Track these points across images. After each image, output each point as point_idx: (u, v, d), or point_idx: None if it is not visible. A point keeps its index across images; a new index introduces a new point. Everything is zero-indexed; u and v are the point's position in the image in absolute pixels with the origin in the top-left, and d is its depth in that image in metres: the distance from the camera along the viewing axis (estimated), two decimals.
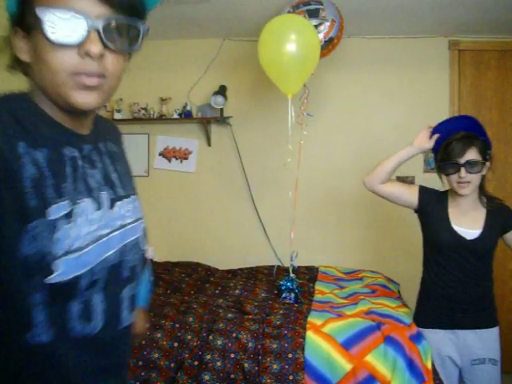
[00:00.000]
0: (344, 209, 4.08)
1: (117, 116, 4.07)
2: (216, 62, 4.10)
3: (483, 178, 2.41)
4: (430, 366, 2.37)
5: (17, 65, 1.00)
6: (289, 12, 3.25)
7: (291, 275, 3.03)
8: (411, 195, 2.55)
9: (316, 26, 3.17)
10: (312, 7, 3.19)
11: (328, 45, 3.31)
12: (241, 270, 3.71)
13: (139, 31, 0.98)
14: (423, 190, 2.56)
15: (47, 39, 0.89)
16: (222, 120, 3.99)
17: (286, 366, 2.38)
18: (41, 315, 0.92)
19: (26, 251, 0.88)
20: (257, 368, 2.41)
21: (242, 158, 4.11)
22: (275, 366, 2.39)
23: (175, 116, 4.04)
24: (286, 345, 2.43)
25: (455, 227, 2.43)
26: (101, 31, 0.92)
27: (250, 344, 2.46)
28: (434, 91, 4.08)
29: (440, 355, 2.42)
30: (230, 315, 2.71)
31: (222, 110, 3.99)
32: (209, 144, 4.13)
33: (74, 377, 0.99)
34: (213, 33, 4.01)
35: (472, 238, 2.39)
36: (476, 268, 2.40)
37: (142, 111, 4.08)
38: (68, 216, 0.93)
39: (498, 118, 4.08)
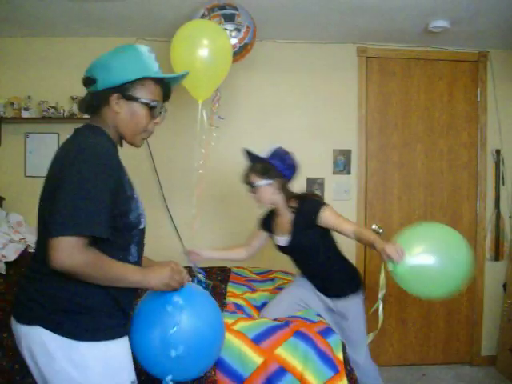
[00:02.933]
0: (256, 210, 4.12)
1: (24, 114, 3.91)
2: None
3: (284, 189, 2.79)
4: (341, 357, 2.45)
5: (93, 107, 1.75)
6: (203, 15, 3.24)
7: (199, 276, 3.00)
8: (261, 235, 3.06)
9: (231, 31, 3.21)
10: (227, 12, 3.23)
11: (242, 50, 3.35)
12: None
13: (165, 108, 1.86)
14: (260, 221, 3.07)
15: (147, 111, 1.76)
16: None
17: None
18: (134, 248, 1.74)
19: (132, 218, 1.69)
20: None
21: (154, 159, 4.06)
22: None
23: (86, 115, 3.91)
24: None
25: (275, 237, 2.93)
26: (163, 112, 1.83)
27: None
28: (343, 95, 4.24)
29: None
30: None
31: None
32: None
33: None
34: (126, 32, 3.95)
35: (285, 244, 2.84)
36: (309, 260, 2.84)
37: (52, 110, 3.94)
38: (137, 195, 1.76)
39: (403, 123, 4.28)
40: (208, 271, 3.68)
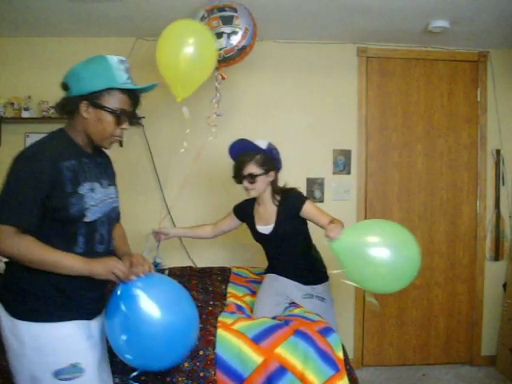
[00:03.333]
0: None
1: (24, 114, 3.91)
2: (129, 61, 4.01)
3: (274, 181, 2.99)
4: (341, 356, 2.45)
5: (66, 112, 1.97)
6: (203, 16, 3.22)
7: (156, 259, 3.13)
8: (233, 221, 3.22)
9: (229, 35, 3.21)
10: (226, 14, 3.21)
11: (240, 53, 3.33)
12: None
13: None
14: (236, 210, 3.22)
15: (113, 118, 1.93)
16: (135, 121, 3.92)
17: (197, 363, 2.38)
18: (81, 240, 1.91)
19: (73, 211, 1.84)
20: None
21: (154, 159, 4.08)
22: (186, 364, 2.38)
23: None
24: (197, 343, 2.43)
25: (257, 227, 3.06)
26: (130, 119, 2.01)
27: None
28: (343, 95, 4.24)
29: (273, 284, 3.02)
30: None
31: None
32: (120, 144, 4.04)
33: None
34: (125, 32, 3.94)
35: (268, 232, 3.00)
36: (287, 249, 3.02)
37: (52, 110, 3.92)
38: (91, 190, 1.92)
39: (402, 123, 4.28)
40: (208, 271, 3.69)
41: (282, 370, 2.37)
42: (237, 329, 2.50)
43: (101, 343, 2.03)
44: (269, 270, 3.15)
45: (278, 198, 2.98)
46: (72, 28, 3.87)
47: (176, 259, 4.02)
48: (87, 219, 1.89)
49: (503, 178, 4.28)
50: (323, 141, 4.21)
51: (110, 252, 2.08)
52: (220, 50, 3.19)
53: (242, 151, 2.96)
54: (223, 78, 3.34)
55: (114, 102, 1.90)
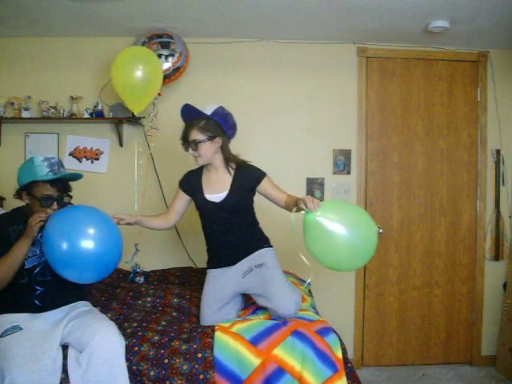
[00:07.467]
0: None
1: (24, 114, 3.90)
2: None
3: (223, 148, 2.86)
4: (340, 356, 2.43)
5: (19, 198, 2.59)
6: (143, 42, 3.81)
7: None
8: (183, 198, 3.03)
9: (166, 56, 3.78)
10: (164, 40, 3.81)
11: (175, 72, 3.86)
12: (153, 271, 3.66)
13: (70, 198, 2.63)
14: (182, 184, 3.04)
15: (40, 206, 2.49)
16: (134, 120, 3.92)
17: (196, 366, 2.37)
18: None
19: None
20: (164, 372, 2.38)
21: (154, 159, 4.07)
22: (185, 367, 2.37)
23: (86, 115, 3.92)
24: (195, 346, 2.43)
25: (206, 195, 2.90)
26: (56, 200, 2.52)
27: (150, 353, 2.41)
28: (343, 95, 4.23)
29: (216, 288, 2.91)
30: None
31: None
32: (121, 144, 4.05)
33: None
34: (126, 32, 3.94)
35: (219, 200, 2.86)
36: (234, 220, 2.88)
37: (52, 110, 3.94)
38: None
39: (403, 123, 4.28)
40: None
41: (280, 371, 2.36)
42: (235, 331, 2.50)
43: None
44: (210, 262, 3.04)
45: (234, 166, 2.90)
46: (72, 28, 3.87)
47: (176, 259, 4.02)
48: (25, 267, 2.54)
49: (503, 178, 4.28)
50: (323, 141, 4.21)
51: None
52: None
53: (185, 119, 2.89)
54: (159, 94, 3.73)
55: (39, 190, 2.49)
